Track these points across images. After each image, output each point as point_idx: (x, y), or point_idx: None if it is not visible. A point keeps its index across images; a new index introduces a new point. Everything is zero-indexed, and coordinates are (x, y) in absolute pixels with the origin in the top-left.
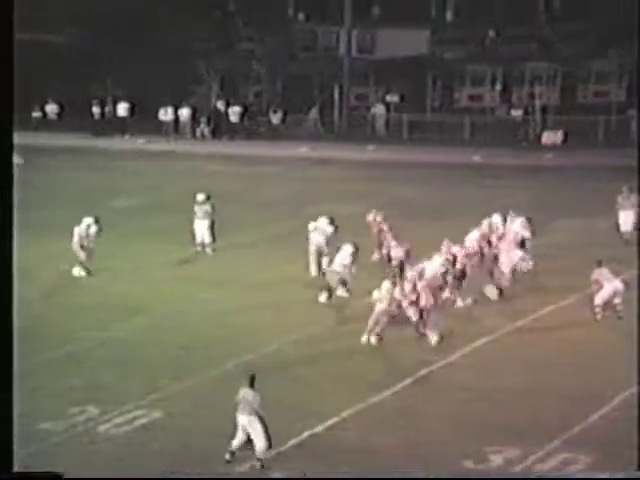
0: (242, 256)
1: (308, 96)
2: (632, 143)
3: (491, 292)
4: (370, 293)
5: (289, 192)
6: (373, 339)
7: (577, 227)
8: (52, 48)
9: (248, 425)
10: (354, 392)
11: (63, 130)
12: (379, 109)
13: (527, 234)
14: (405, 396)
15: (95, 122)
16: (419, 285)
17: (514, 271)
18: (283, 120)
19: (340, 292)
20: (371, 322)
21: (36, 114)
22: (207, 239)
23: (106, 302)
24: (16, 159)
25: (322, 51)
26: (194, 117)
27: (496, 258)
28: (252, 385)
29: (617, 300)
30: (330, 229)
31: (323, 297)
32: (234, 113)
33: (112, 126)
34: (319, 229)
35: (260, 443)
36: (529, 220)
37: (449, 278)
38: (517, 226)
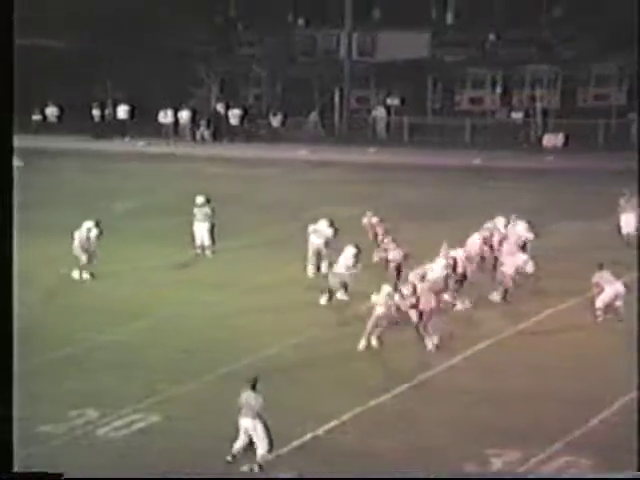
0: (242, 259)
1: (308, 99)
2: (632, 146)
3: (494, 297)
4: (370, 296)
5: (289, 195)
6: (374, 342)
7: (578, 230)
8: (52, 51)
9: (251, 429)
10: (354, 395)
11: (63, 133)
12: (380, 112)
13: (530, 237)
14: (405, 399)
15: (95, 125)
16: (420, 288)
17: (517, 273)
18: (283, 123)
19: (340, 295)
20: (369, 326)
21: (36, 117)
22: (207, 242)
23: (106, 305)
24: (16, 162)
25: (322, 54)
26: (194, 120)
27: (496, 260)
28: (254, 388)
29: (618, 303)
30: (330, 231)
31: (324, 299)
32: (234, 116)
33: (112, 129)
34: (318, 232)
35: (262, 448)
36: (530, 223)
37: (450, 282)
38: (520, 229)
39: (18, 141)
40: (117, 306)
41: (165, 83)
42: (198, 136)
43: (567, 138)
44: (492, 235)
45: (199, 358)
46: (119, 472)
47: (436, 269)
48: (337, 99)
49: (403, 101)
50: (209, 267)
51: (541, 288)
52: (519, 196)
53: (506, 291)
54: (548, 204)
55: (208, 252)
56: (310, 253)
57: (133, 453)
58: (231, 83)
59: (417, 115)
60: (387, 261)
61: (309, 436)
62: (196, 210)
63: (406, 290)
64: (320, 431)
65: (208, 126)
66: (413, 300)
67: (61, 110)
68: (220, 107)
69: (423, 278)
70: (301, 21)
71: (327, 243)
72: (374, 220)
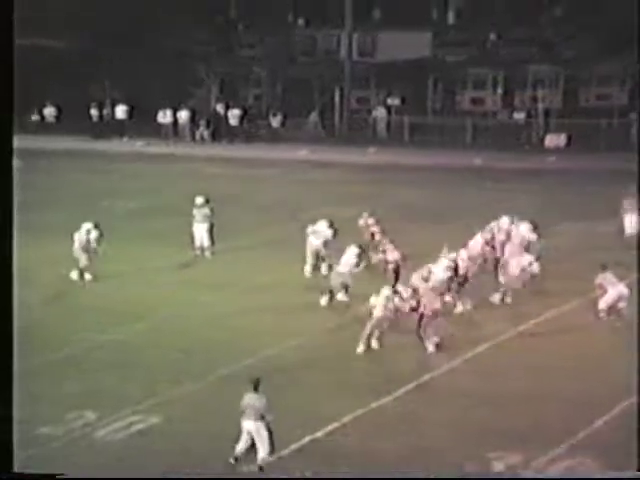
0: (242, 259)
1: (308, 99)
2: (635, 147)
3: (496, 298)
4: (371, 296)
5: (289, 195)
6: (374, 344)
7: (580, 231)
8: (50, 52)
9: (254, 431)
10: (355, 397)
11: (62, 133)
12: (380, 112)
13: (533, 238)
14: (406, 401)
15: (94, 125)
16: (423, 290)
17: (522, 273)
18: (283, 123)
19: (340, 297)
20: (367, 329)
21: (34, 117)
22: (206, 242)
23: (105, 305)
24: (15, 162)
25: (323, 54)
26: (193, 120)
27: (497, 261)
28: (257, 389)
29: (621, 304)
30: (329, 232)
31: (324, 300)
32: (233, 116)
33: (111, 129)
34: (317, 232)
35: (264, 451)
36: (534, 224)
37: (453, 285)
38: (523, 230)
39: (17, 142)
40: (116, 306)
41: (164, 83)
42: (197, 136)
43: (569, 138)
44: (494, 236)
45: (198, 359)
46: (118, 474)
47: (438, 271)
48: (337, 99)
49: (404, 101)
50: (208, 268)
51: (543, 289)
52: (521, 197)
53: (505, 293)
54: (550, 205)
55: (207, 253)
56: (308, 254)
57: (132, 455)
58: (231, 83)
59: (418, 115)
60: (386, 262)
61: (310, 438)
62: (195, 211)
63: (405, 293)
64: (321, 433)
65: (207, 126)
66: (413, 303)
67: (59, 110)
68: (220, 107)
69: (427, 280)
70: (301, 21)
71: (326, 244)
72: (370, 221)
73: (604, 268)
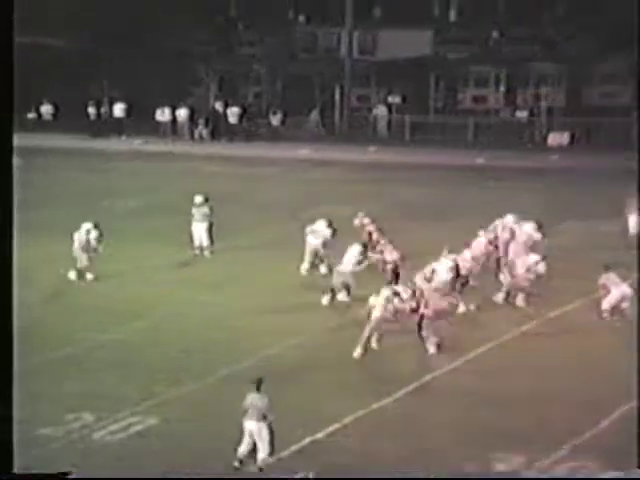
0: (241, 258)
1: (308, 97)
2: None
3: (499, 298)
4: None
5: (289, 194)
6: (374, 344)
7: (583, 229)
8: (49, 50)
9: (256, 431)
10: (356, 398)
11: (60, 131)
12: (381, 110)
13: (538, 237)
14: (408, 402)
15: (92, 123)
16: (427, 290)
17: (528, 273)
18: (283, 121)
19: (341, 297)
20: (366, 331)
21: (31, 115)
22: (205, 242)
23: (105, 304)
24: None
25: (323, 52)
26: (192, 118)
27: (499, 261)
28: (259, 389)
29: (625, 305)
30: (328, 232)
31: (326, 300)
32: (233, 114)
33: (109, 127)
34: (316, 232)
35: (264, 452)
36: (538, 223)
37: (457, 285)
38: (527, 229)
39: (16, 140)
40: (116, 305)
41: (163, 81)
42: (196, 135)
43: (572, 137)
44: (497, 236)
45: (198, 359)
46: (117, 475)
47: (442, 271)
48: (338, 97)
49: (405, 99)
50: (208, 267)
51: (546, 289)
52: (523, 196)
53: (509, 293)
54: (553, 204)
55: (207, 252)
56: (307, 254)
57: (131, 456)
58: (230, 81)
59: (419, 114)
60: (384, 262)
61: (310, 439)
62: (194, 210)
63: (405, 294)
64: (321, 434)
65: (206, 125)
66: (413, 304)
67: (56, 108)
68: (219, 105)
69: (429, 280)
70: (302, 18)
71: (325, 244)
72: (365, 221)
73: (607, 268)
